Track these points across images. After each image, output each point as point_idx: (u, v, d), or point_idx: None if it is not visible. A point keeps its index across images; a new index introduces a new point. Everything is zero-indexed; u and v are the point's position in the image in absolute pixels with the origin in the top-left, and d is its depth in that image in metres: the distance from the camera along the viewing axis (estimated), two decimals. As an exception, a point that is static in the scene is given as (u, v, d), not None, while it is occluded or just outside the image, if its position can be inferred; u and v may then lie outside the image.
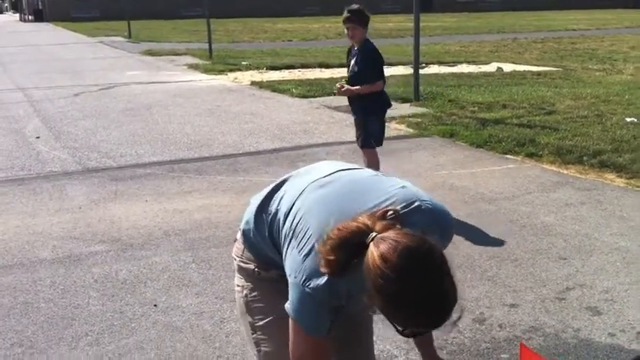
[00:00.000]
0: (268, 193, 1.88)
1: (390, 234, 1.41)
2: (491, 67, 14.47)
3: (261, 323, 1.92)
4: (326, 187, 1.73)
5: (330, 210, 1.64)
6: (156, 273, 3.92)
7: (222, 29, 28.97)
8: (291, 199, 1.76)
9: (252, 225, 1.89)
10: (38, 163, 6.61)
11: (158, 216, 4.96)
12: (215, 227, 4.67)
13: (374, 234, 1.43)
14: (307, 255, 1.60)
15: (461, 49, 19.41)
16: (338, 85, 5.19)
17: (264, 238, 1.83)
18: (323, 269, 1.50)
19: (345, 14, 4.97)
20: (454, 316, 1.42)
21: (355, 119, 5.28)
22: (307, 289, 1.58)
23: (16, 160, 6.76)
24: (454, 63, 15.51)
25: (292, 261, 1.65)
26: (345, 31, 5.05)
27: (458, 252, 4.09)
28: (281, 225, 1.75)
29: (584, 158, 6.25)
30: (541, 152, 6.54)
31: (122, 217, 4.94)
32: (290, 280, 1.64)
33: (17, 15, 53.48)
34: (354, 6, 4.99)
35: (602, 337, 3.11)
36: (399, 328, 1.44)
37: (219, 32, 26.02)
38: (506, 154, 6.66)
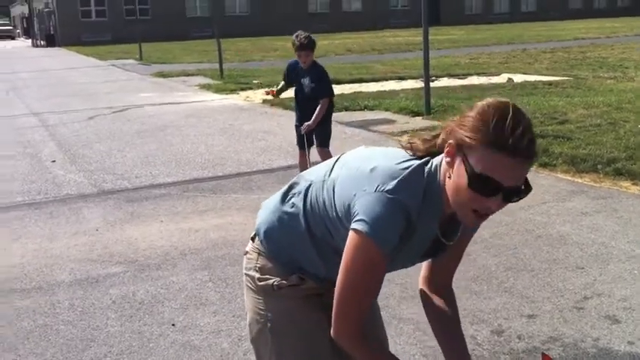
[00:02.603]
0: (290, 184, 1.89)
1: None
2: (502, 79, 14.47)
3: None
4: (369, 147, 1.82)
5: (387, 152, 1.72)
6: (173, 293, 3.95)
7: (232, 49, 29.18)
8: (326, 166, 1.81)
9: (277, 212, 1.86)
10: (54, 187, 6.68)
11: (174, 236, 4.99)
12: (231, 245, 4.70)
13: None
14: (374, 168, 1.62)
15: (470, 61, 19.43)
16: (304, 129, 5.80)
17: (294, 216, 1.80)
18: (409, 145, 1.67)
19: (299, 42, 5.59)
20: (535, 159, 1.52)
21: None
22: (385, 194, 1.56)
23: (32, 184, 6.83)
24: (464, 75, 15.53)
25: (355, 181, 1.63)
26: (297, 55, 5.71)
27: (474, 263, 4.09)
28: (320, 185, 1.76)
29: (599, 167, 6.22)
30: (555, 162, 6.52)
31: (138, 238, 4.97)
32: (357, 196, 1.59)
33: (29, 41, 54.13)
34: (303, 35, 5.64)
35: (622, 345, 3.09)
36: (474, 169, 1.49)
37: (229, 52, 26.21)
38: (519, 164, 6.65)
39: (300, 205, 1.79)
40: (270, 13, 48.59)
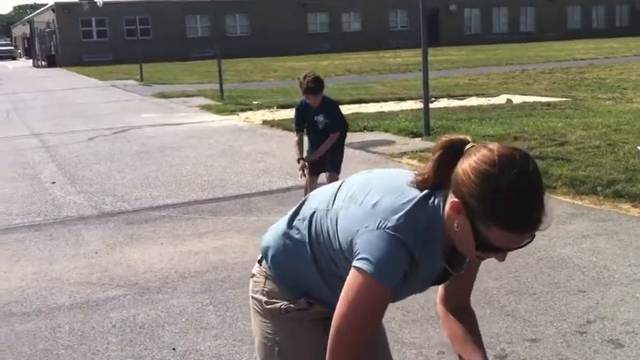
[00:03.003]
0: (295, 209, 1.90)
1: (487, 142, 1.58)
2: (501, 99, 14.52)
3: None
4: (372, 172, 1.82)
5: (390, 181, 1.71)
6: (173, 316, 3.93)
7: (232, 69, 29.31)
8: (330, 192, 1.81)
9: (282, 237, 1.86)
10: (54, 209, 6.67)
11: (174, 258, 4.98)
12: (231, 268, 4.69)
13: (473, 144, 1.58)
14: (377, 204, 1.62)
15: (470, 81, 19.52)
16: (300, 169, 5.78)
17: (298, 243, 1.81)
18: (415, 178, 1.62)
19: (307, 86, 5.39)
20: (543, 225, 1.50)
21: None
22: (387, 230, 1.56)
23: (32, 205, 6.83)
24: (463, 96, 15.58)
25: (357, 216, 1.64)
26: (305, 97, 5.53)
27: (475, 287, 4.06)
28: (324, 213, 1.77)
29: (599, 189, 6.23)
30: (555, 184, 6.52)
31: (138, 261, 4.96)
32: (359, 233, 1.60)
33: (30, 61, 54.37)
34: (310, 77, 5.40)
35: (626, 371, 3.07)
36: (481, 233, 1.49)
37: (230, 72, 26.32)
38: (519, 186, 6.65)
39: (305, 232, 1.80)
40: (270, 33, 48.90)
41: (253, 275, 1.97)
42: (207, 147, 10.08)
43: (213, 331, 3.70)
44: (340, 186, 1.81)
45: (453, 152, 1.57)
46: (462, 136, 1.62)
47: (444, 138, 1.63)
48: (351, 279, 1.60)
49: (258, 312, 1.93)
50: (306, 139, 5.78)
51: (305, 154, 5.77)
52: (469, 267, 1.80)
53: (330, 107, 5.64)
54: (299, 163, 5.75)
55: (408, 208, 1.59)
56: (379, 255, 1.55)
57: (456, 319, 1.90)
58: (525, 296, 3.98)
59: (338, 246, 1.69)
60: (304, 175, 5.80)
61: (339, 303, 1.63)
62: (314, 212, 1.80)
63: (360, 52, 44.44)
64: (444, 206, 1.59)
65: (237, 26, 49.91)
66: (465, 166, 1.51)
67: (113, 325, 3.84)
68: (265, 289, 1.90)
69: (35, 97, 21.20)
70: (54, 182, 7.92)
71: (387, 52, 44.03)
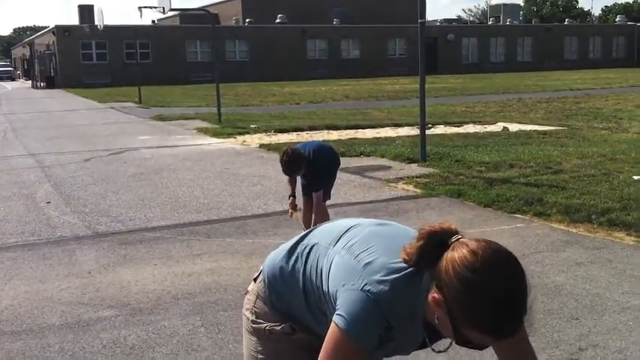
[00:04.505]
0: (302, 235, 1.93)
1: (474, 238, 1.53)
2: (497, 127, 14.61)
3: None
4: (382, 226, 1.83)
5: (392, 241, 1.70)
6: (164, 338, 3.90)
7: (231, 93, 29.46)
8: (336, 232, 1.82)
9: (282, 262, 1.89)
10: (48, 228, 6.66)
11: (167, 280, 4.96)
12: (224, 290, 4.67)
13: (459, 236, 1.54)
14: (369, 264, 1.63)
15: (466, 109, 19.63)
16: (290, 206, 5.82)
17: (294, 272, 1.83)
18: (405, 254, 1.57)
19: (287, 169, 5.44)
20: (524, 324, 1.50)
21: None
22: (368, 294, 1.57)
23: (26, 225, 6.81)
24: (460, 123, 15.67)
25: (347, 269, 1.65)
26: (284, 173, 5.60)
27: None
28: (324, 250, 1.78)
29: (593, 217, 6.24)
30: (549, 211, 6.54)
31: (131, 282, 4.94)
32: (344, 289, 1.62)
33: (29, 82, 54.58)
34: (285, 159, 5.37)
35: (617, 399, 3.05)
36: (461, 332, 1.47)
37: (228, 96, 26.45)
38: (514, 213, 6.67)
39: (301, 264, 1.84)
40: (270, 59, 49.25)
41: (247, 292, 2.02)
42: (204, 169, 10.10)
43: (204, 353, 3.68)
44: (349, 229, 1.82)
45: (437, 243, 1.54)
46: (445, 226, 1.59)
47: (427, 228, 1.59)
48: (330, 332, 1.64)
49: (246, 329, 1.98)
50: None
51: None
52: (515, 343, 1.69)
53: (310, 171, 5.46)
54: (289, 199, 5.79)
55: (394, 278, 1.59)
56: (356, 315, 1.58)
57: None
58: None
59: (327, 289, 1.72)
60: (292, 214, 5.83)
61: (320, 353, 1.66)
62: (315, 245, 1.84)
63: (359, 79, 44.73)
64: (427, 291, 1.55)
65: (236, 51, 50.24)
66: (448, 266, 1.48)
67: (103, 346, 3.81)
68: (255, 308, 1.95)
69: (33, 118, 21.25)
70: (49, 202, 7.91)
71: (385, 79, 44.33)
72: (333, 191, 5.97)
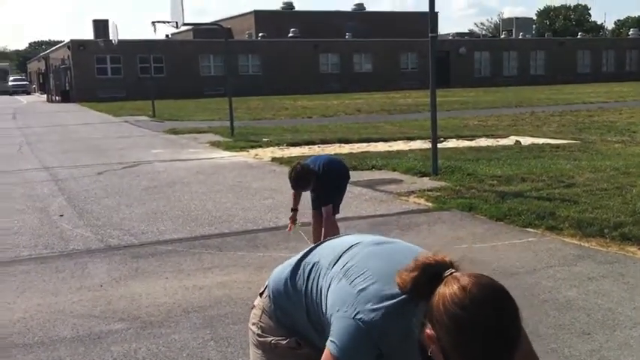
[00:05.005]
0: (307, 250, 1.95)
1: (467, 273, 1.52)
2: (510, 141, 14.57)
3: None
4: (382, 245, 1.84)
5: (390, 263, 1.70)
6: (175, 351, 3.92)
7: (244, 107, 29.59)
8: (337, 251, 1.83)
9: (287, 278, 1.91)
10: (61, 242, 6.70)
11: (178, 293, 4.98)
12: (234, 304, 4.68)
13: (452, 270, 1.53)
14: (362, 290, 1.64)
15: (479, 123, 19.61)
16: (290, 220, 5.82)
17: (297, 289, 1.86)
18: (400, 282, 1.57)
19: (296, 185, 5.51)
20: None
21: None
22: (359, 322, 1.59)
23: (39, 238, 6.86)
24: (472, 137, 15.64)
25: (342, 294, 1.67)
26: (293, 189, 5.64)
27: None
28: (324, 270, 1.80)
29: (605, 231, 6.20)
30: (561, 225, 6.51)
31: (142, 295, 4.96)
32: (338, 315, 1.65)
33: (45, 96, 55.09)
34: (293, 175, 5.43)
35: (629, 415, 3.03)
36: None
37: (241, 110, 26.57)
38: (526, 227, 6.64)
39: (303, 282, 1.87)
40: (282, 73, 49.47)
41: (253, 307, 2.05)
42: (216, 183, 10.14)
43: (213, 367, 3.68)
44: (349, 248, 1.84)
45: (431, 276, 1.54)
46: (439, 258, 1.58)
47: (422, 259, 1.59)
48: (324, 355, 1.66)
49: (252, 342, 2.02)
50: None
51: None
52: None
53: (319, 185, 5.48)
54: (291, 212, 5.80)
55: (387, 305, 1.60)
56: (346, 342, 1.61)
57: None
58: (529, 337, 3.94)
59: (325, 310, 1.75)
60: (292, 227, 5.83)
61: None
62: (316, 264, 1.86)
63: (371, 93, 44.81)
64: (422, 323, 1.55)
65: (249, 65, 50.51)
66: (439, 301, 1.47)
67: (114, 359, 3.83)
68: (261, 322, 1.98)
69: (48, 132, 21.43)
70: (62, 215, 7.96)
71: (397, 92, 44.37)
72: (343, 205, 5.98)
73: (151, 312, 4.59)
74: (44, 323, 4.43)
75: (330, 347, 1.64)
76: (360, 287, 1.66)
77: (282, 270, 1.98)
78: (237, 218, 7.56)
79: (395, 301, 1.60)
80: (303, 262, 1.91)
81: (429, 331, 1.50)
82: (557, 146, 13.01)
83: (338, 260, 1.80)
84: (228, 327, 4.25)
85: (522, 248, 5.92)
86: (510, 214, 7.04)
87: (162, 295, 4.94)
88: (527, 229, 6.57)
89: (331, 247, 1.91)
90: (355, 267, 1.74)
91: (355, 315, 1.60)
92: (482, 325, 1.41)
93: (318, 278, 1.81)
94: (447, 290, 1.46)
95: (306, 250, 1.97)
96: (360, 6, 61.85)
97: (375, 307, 1.60)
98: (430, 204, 7.96)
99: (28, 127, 23.80)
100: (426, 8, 9.96)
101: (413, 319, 1.57)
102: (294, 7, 59.33)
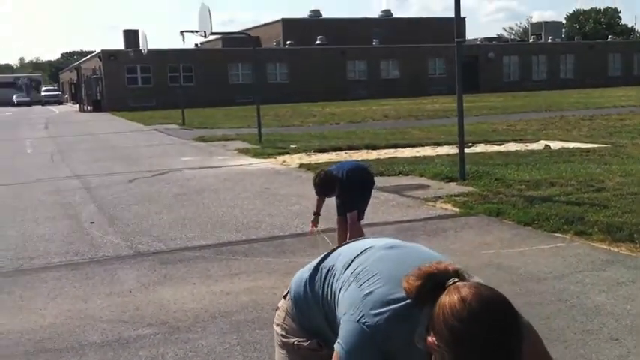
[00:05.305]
0: (326, 254, 2.00)
1: (470, 283, 1.52)
2: (539, 145, 14.44)
3: None
4: (394, 249, 1.86)
5: (400, 266, 1.73)
6: (201, 356, 3.96)
7: (272, 114, 29.75)
8: (351, 255, 1.87)
9: (306, 282, 1.96)
10: (92, 248, 6.81)
11: (205, 298, 5.04)
12: (261, 309, 4.71)
13: (455, 279, 1.53)
14: (369, 294, 1.68)
15: (508, 127, 19.45)
16: (311, 224, 5.91)
17: (315, 293, 1.91)
18: (406, 287, 1.59)
19: (320, 191, 5.58)
20: None
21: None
22: (364, 326, 1.63)
23: (71, 245, 6.98)
24: (501, 142, 15.53)
25: (350, 298, 1.72)
26: (317, 195, 5.69)
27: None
28: (338, 274, 1.85)
29: (635, 236, 6.12)
30: (590, 230, 6.44)
31: (170, 300, 5.03)
32: (345, 317, 1.70)
33: (77, 105, 55.98)
34: (317, 181, 5.51)
35: (657, 421, 2.99)
36: None
37: (268, 117, 26.72)
38: (554, 232, 6.58)
39: (320, 285, 1.92)
40: (310, 80, 49.62)
41: (277, 308, 2.11)
42: (244, 189, 10.21)
43: (239, 371, 3.72)
44: (362, 252, 1.88)
45: (434, 284, 1.55)
46: (442, 267, 1.59)
47: (425, 268, 1.59)
48: (334, 357, 1.70)
49: (277, 343, 2.08)
50: None
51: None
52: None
53: (344, 191, 5.53)
54: (313, 216, 5.84)
55: (391, 309, 1.62)
56: (351, 345, 1.65)
57: None
58: (556, 343, 3.91)
59: (337, 313, 1.80)
60: (312, 231, 5.90)
61: None
62: (332, 268, 1.91)
63: (398, 99, 44.73)
64: (426, 329, 1.55)
65: (277, 73, 50.81)
66: (440, 311, 1.48)
67: (142, 363, 3.89)
68: (284, 324, 2.04)
69: (79, 141, 21.77)
70: (93, 222, 8.09)
71: (425, 98, 44.23)
72: (370, 210, 5.99)
73: (179, 317, 4.65)
74: (74, 329, 4.51)
75: (337, 349, 1.69)
76: (367, 291, 1.69)
77: (302, 273, 2.04)
78: (264, 225, 7.61)
79: (400, 305, 1.62)
80: (321, 266, 1.96)
81: (430, 338, 1.51)
82: (588, 150, 12.86)
83: (350, 264, 1.84)
84: (255, 332, 4.29)
85: (550, 253, 5.87)
86: (538, 219, 6.97)
87: (190, 301, 4.99)
88: (556, 234, 6.51)
89: (346, 251, 1.95)
90: (365, 271, 1.77)
91: (360, 318, 1.65)
92: (479, 337, 1.41)
93: (333, 282, 1.86)
94: (448, 300, 1.47)
95: (325, 254, 2.01)
96: (387, 12, 61.89)
97: (379, 310, 1.64)
98: (457, 209, 7.92)
99: (60, 136, 24.21)
100: (453, 14, 9.93)
101: (418, 324, 1.59)
102: (321, 15, 59.55)
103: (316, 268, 1.97)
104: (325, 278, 1.90)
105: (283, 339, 2.02)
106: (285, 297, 2.08)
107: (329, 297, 1.86)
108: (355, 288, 1.73)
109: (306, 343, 1.96)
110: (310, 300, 1.94)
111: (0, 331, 4.50)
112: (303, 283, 1.98)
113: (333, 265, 1.90)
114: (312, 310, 1.94)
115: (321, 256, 2.02)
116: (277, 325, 2.07)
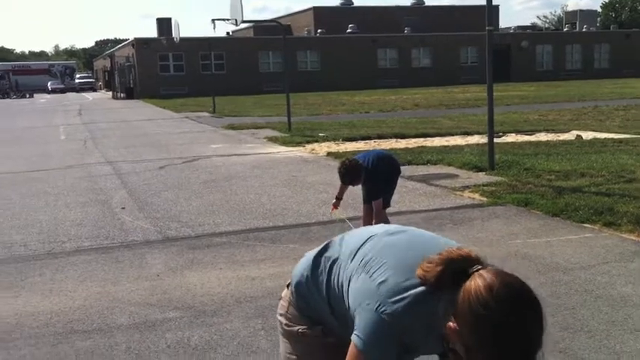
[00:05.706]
0: (325, 244, 2.01)
1: (493, 269, 1.52)
2: (571, 136, 14.26)
3: None
4: (395, 234, 1.86)
5: (407, 253, 1.74)
6: (226, 339, 4.02)
7: (302, 102, 29.77)
8: (355, 245, 1.87)
9: (307, 273, 1.97)
10: (122, 233, 6.93)
11: (231, 283, 5.10)
12: (285, 295, 4.75)
13: (479, 266, 1.54)
14: (382, 283, 1.67)
15: (539, 117, 19.23)
16: (333, 206, 5.96)
17: (318, 284, 1.92)
18: (422, 274, 1.59)
19: (345, 179, 5.59)
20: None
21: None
22: (382, 315, 1.63)
23: (101, 229, 7.10)
24: (532, 132, 15.37)
25: (363, 289, 1.71)
26: (343, 183, 5.72)
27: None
28: (343, 265, 1.85)
29: (666, 227, 6.04)
30: (619, 221, 6.36)
31: (197, 285, 5.10)
32: (360, 308, 1.69)
33: (110, 93, 56.62)
34: (342, 170, 5.53)
35: (680, 413, 2.97)
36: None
37: (298, 105, 26.75)
38: (583, 222, 6.52)
39: (325, 277, 1.92)
40: (340, 68, 49.47)
41: (281, 298, 2.11)
42: (272, 177, 10.27)
43: (263, 355, 3.77)
44: (365, 242, 1.88)
45: (455, 270, 1.55)
46: (464, 253, 1.58)
47: (445, 254, 1.59)
48: (350, 351, 1.70)
49: (280, 332, 2.09)
50: None
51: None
52: None
53: (369, 179, 5.55)
54: (335, 200, 5.90)
55: (409, 299, 1.61)
56: (371, 336, 1.65)
57: None
58: (580, 333, 3.90)
59: (347, 305, 1.79)
60: (334, 211, 5.99)
61: None
62: (336, 260, 1.90)
63: (429, 87, 44.42)
64: (446, 311, 1.56)
65: (307, 62, 50.72)
66: (465, 298, 1.49)
67: (167, 346, 3.96)
68: (288, 313, 2.05)
69: (112, 127, 22.05)
70: (123, 208, 8.22)
71: (456, 87, 43.85)
72: (397, 199, 6.00)
73: (205, 301, 4.72)
74: (103, 311, 4.61)
75: (355, 341, 1.68)
76: (380, 280, 1.69)
77: (303, 263, 2.05)
78: (291, 212, 7.66)
79: (416, 292, 1.62)
80: (324, 257, 1.96)
81: (452, 324, 1.52)
82: (620, 141, 12.67)
83: (356, 254, 1.84)
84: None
85: (578, 244, 5.82)
86: (567, 210, 6.91)
87: (216, 285, 5.06)
88: (584, 225, 6.45)
89: (348, 241, 1.95)
90: (373, 260, 1.77)
91: (377, 307, 1.64)
92: (504, 325, 1.43)
93: (339, 273, 1.86)
94: (473, 287, 1.48)
95: (325, 244, 2.02)
96: (420, 0, 61.32)
97: (397, 297, 1.63)
98: (485, 199, 7.88)
99: (93, 122, 24.53)
100: (485, 1, 9.82)
101: (435, 313, 1.59)
102: (352, 3, 59.26)
103: (318, 259, 1.97)
104: (330, 271, 1.90)
105: (287, 328, 2.03)
106: (288, 286, 2.10)
107: (336, 288, 1.86)
108: (366, 278, 1.73)
109: (309, 331, 1.97)
110: (312, 289, 1.96)
111: (31, 313, 4.62)
112: (305, 273, 1.99)
113: (338, 258, 1.90)
114: (315, 299, 1.95)
115: (322, 245, 2.02)
116: (281, 314, 2.07)
